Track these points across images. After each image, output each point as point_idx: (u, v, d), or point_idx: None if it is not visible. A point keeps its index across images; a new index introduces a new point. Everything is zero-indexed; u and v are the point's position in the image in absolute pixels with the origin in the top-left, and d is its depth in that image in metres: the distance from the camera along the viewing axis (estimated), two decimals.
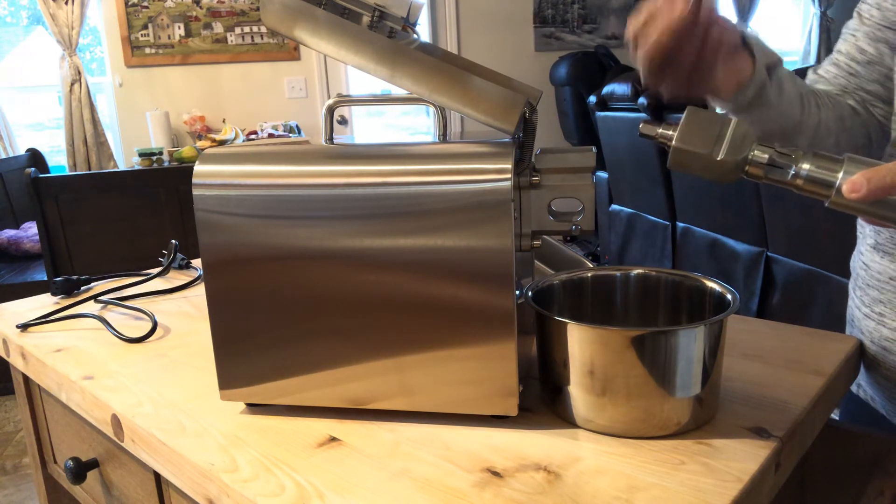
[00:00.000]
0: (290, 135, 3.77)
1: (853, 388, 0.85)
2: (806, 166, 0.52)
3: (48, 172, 3.41)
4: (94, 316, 0.91)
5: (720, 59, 0.64)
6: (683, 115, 0.54)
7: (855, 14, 0.79)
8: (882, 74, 0.77)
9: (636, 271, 0.67)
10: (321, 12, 0.56)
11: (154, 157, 3.42)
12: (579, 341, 0.54)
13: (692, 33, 0.60)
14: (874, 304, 0.78)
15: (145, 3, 3.77)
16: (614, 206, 3.51)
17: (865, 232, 0.81)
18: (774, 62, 0.69)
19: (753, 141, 0.53)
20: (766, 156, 0.53)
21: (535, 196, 0.57)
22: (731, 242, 2.63)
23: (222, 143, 3.59)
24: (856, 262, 0.84)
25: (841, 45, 0.81)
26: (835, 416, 0.85)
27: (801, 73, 0.86)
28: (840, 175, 0.51)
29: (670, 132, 0.54)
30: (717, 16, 0.61)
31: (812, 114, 0.74)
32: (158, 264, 1.14)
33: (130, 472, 0.75)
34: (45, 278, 2.71)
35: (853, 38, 0.79)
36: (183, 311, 0.93)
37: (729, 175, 0.54)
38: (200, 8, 3.87)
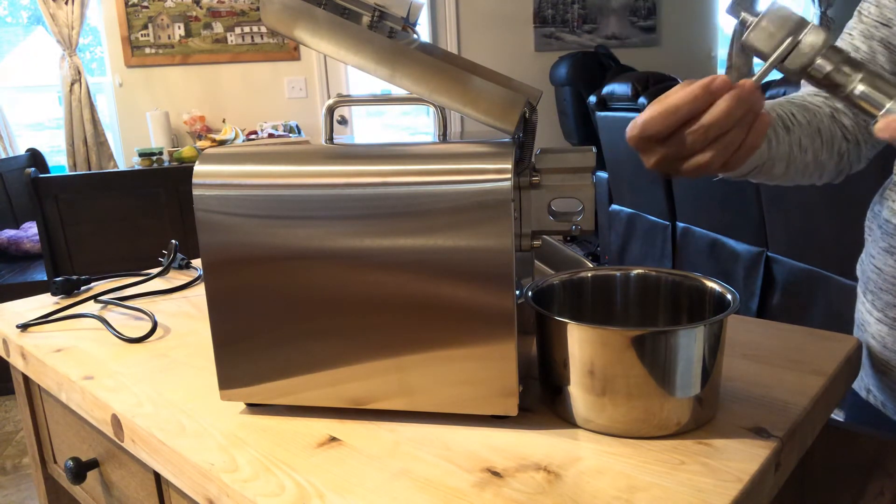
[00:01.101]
0: (290, 135, 3.77)
1: (862, 393, 0.84)
2: (861, 88, 0.54)
3: (48, 172, 3.41)
4: (94, 316, 0.91)
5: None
6: (764, 11, 0.56)
7: (855, 12, 0.80)
8: None
9: (636, 271, 0.67)
10: (321, 12, 0.56)
11: (154, 157, 3.42)
12: (579, 341, 0.54)
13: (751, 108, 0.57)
14: (888, 308, 0.76)
15: (145, 3, 3.77)
16: (614, 206, 3.51)
17: (876, 235, 0.79)
18: None
19: (820, 51, 0.55)
20: (828, 69, 0.55)
21: (535, 196, 0.57)
22: (731, 242, 2.63)
23: (222, 143, 3.59)
24: (865, 265, 0.83)
25: (838, 44, 0.80)
26: (840, 418, 0.85)
27: None
28: (889, 103, 0.53)
29: (750, 19, 0.57)
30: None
31: (782, 141, 0.74)
32: (158, 264, 1.14)
33: (130, 472, 0.75)
34: (45, 278, 2.71)
35: (849, 36, 0.79)
36: (183, 311, 0.93)
37: (791, 76, 0.56)
38: (200, 8, 3.87)
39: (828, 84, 0.55)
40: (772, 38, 0.56)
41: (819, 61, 0.55)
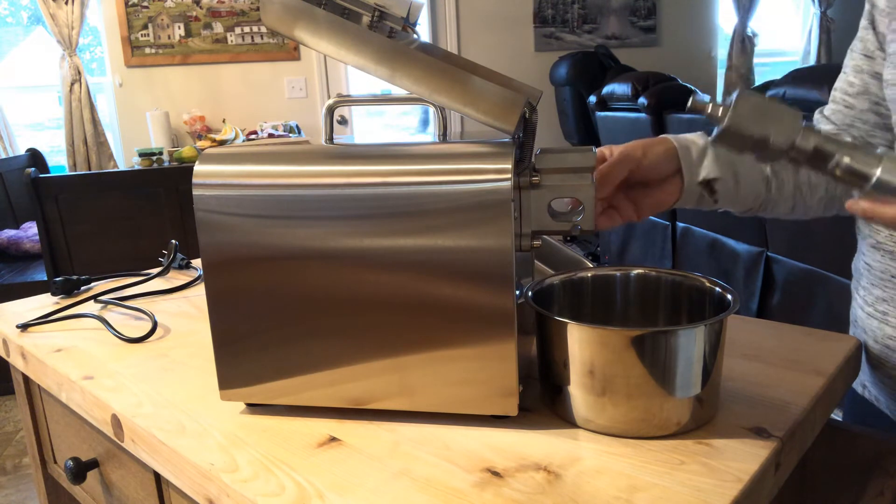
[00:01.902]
0: (290, 135, 3.77)
1: (858, 388, 0.85)
2: (846, 160, 0.53)
3: (48, 172, 3.41)
4: (94, 316, 0.91)
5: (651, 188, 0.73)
6: (733, 104, 0.53)
7: (848, 51, 0.83)
8: (873, 103, 0.80)
9: (636, 271, 0.67)
10: (321, 12, 0.56)
11: (154, 157, 3.42)
12: (579, 341, 0.54)
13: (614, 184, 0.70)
14: (878, 302, 0.78)
15: (145, 3, 3.77)
16: None
17: (865, 232, 0.81)
18: (716, 177, 0.74)
19: (797, 134, 0.53)
20: (810, 148, 0.53)
21: (535, 196, 0.57)
22: (731, 242, 2.63)
23: (222, 143, 3.59)
24: (858, 262, 0.85)
25: (837, 83, 0.85)
26: (838, 416, 0.86)
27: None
28: (878, 171, 0.52)
29: (718, 114, 0.54)
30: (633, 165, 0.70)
31: (786, 182, 0.78)
32: (158, 264, 1.14)
33: (130, 472, 0.75)
34: (45, 278, 2.71)
35: (844, 74, 0.83)
36: (183, 311, 0.93)
37: (773, 163, 0.55)
38: (200, 8, 3.87)
39: (810, 164, 0.54)
40: (744, 138, 0.53)
41: (799, 143, 0.53)
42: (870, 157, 0.52)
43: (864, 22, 0.80)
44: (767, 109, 0.53)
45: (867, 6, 0.79)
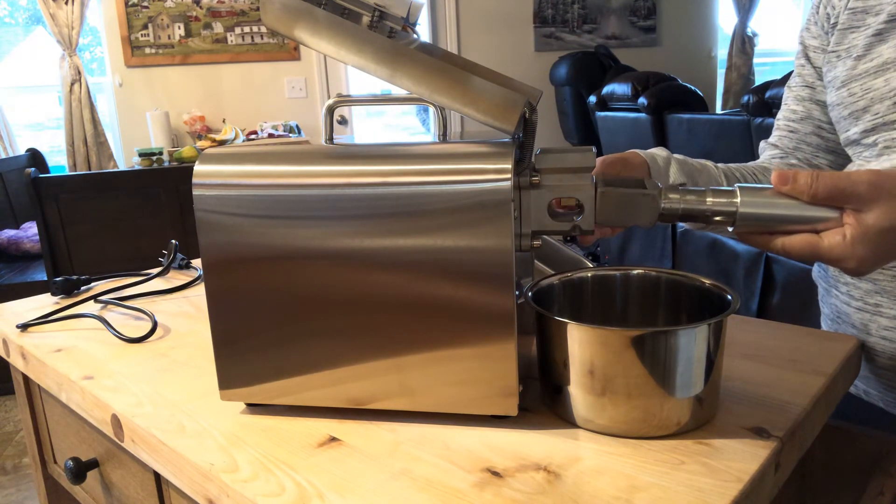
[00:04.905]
0: (290, 135, 3.77)
1: None
2: (711, 206, 0.57)
3: (48, 172, 3.41)
4: (94, 316, 0.91)
5: None
6: (596, 204, 0.58)
7: (785, 88, 0.94)
8: (816, 126, 0.90)
9: (636, 271, 0.67)
10: (321, 12, 0.56)
11: (154, 157, 3.42)
12: (579, 341, 0.54)
13: None
14: (868, 295, 0.79)
15: (145, 3, 3.77)
16: None
17: None
18: (682, 182, 0.79)
19: (657, 210, 0.58)
20: (679, 207, 0.58)
21: (535, 196, 0.57)
22: (731, 242, 2.62)
23: (222, 143, 3.59)
24: None
25: (779, 114, 0.95)
26: None
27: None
28: (738, 208, 0.56)
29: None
30: None
31: None
32: (158, 264, 1.14)
33: (130, 472, 0.75)
34: (45, 278, 2.71)
35: (785, 105, 0.94)
36: (183, 311, 0.93)
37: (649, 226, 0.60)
38: (200, 8, 3.87)
39: (685, 220, 0.59)
40: (615, 217, 0.58)
41: (665, 204, 0.57)
42: (729, 196, 0.56)
43: (800, 61, 0.91)
44: (624, 202, 0.58)
45: (800, 47, 0.91)
